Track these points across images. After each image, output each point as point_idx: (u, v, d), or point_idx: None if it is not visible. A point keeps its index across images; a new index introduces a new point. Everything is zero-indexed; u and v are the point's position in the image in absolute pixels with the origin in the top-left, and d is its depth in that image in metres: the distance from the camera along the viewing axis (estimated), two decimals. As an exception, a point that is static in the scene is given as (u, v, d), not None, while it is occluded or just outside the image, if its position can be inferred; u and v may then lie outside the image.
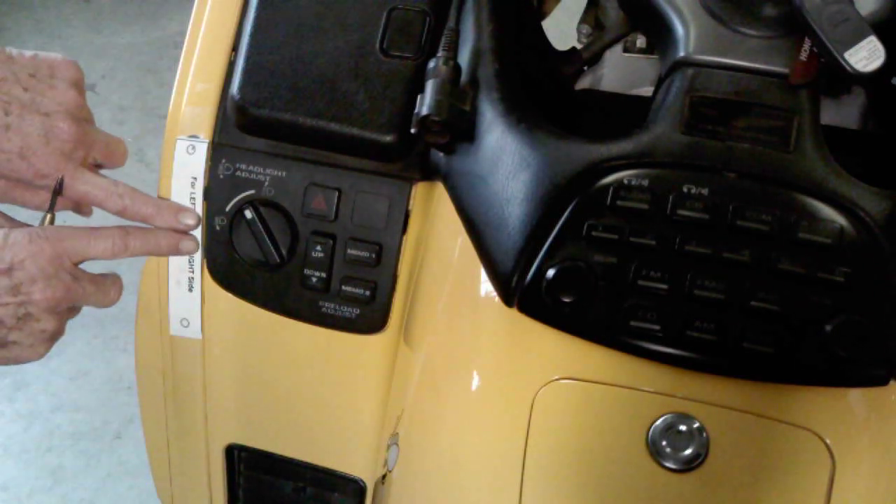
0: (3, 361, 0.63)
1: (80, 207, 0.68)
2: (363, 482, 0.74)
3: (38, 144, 0.61)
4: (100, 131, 0.65)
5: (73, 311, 0.65)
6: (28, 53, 0.62)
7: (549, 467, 0.58)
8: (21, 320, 0.61)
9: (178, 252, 0.68)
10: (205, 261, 0.70)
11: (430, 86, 0.60)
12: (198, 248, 0.68)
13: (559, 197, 0.57)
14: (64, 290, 0.62)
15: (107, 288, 0.66)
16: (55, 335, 0.63)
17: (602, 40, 0.85)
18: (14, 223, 0.64)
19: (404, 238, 0.67)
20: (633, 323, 0.55)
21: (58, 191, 0.64)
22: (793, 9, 0.56)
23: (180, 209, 0.66)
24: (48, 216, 0.66)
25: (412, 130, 0.60)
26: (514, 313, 0.58)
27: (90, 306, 0.66)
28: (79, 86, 0.64)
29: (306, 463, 0.75)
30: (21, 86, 0.61)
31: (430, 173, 0.66)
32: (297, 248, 0.68)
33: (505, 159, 0.59)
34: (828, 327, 0.54)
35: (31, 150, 0.61)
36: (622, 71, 0.95)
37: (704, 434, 0.57)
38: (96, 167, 0.65)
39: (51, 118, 0.61)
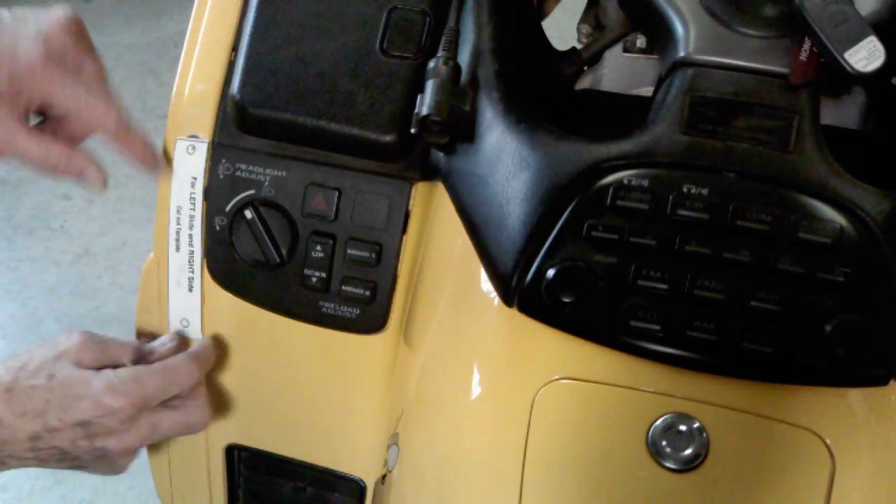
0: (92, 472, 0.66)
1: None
2: (363, 482, 0.74)
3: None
4: (76, 88, 0.64)
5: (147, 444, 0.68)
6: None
7: (549, 467, 0.58)
8: (98, 459, 0.63)
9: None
10: (205, 261, 0.70)
11: (430, 86, 0.60)
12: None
13: (559, 197, 0.57)
14: (139, 440, 0.63)
15: (191, 415, 0.67)
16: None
17: (602, 40, 0.85)
18: (111, 352, 0.65)
19: (404, 238, 0.67)
20: (633, 323, 0.55)
21: None
22: (793, 9, 0.56)
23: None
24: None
25: (412, 130, 0.60)
26: (514, 313, 0.58)
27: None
28: (65, 25, 0.64)
29: (306, 463, 0.75)
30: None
31: (430, 173, 0.66)
32: (297, 248, 0.68)
33: (505, 159, 0.59)
34: (828, 327, 0.53)
35: None
36: (622, 71, 0.95)
37: (704, 434, 0.57)
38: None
39: (20, 41, 0.61)
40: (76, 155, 0.65)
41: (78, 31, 0.65)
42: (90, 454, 0.63)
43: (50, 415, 0.61)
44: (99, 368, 0.64)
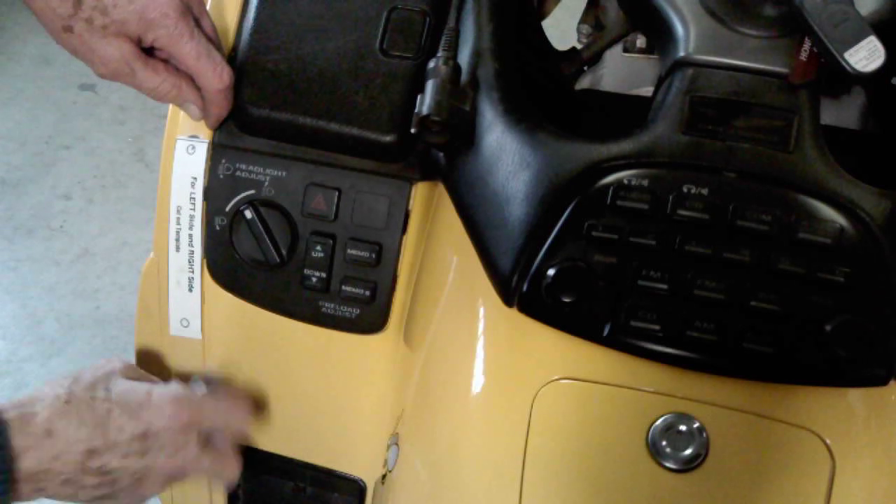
0: None
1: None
2: (363, 482, 0.74)
3: None
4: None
5: (180, 478, 0.66)
6: None
7: (549, 467, 0.58)
8: (134, 483, 0.63)
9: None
10: (205, 261, 0.70)
11: (430, 86, 0.60)
12: None
13: (559, 197, 0.57)
14: (184, 462, 0.64)
15: (226, 464, 0.68)
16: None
17: (602, 40, 0.85)
18: (151, 378, 0.66)
19: (404, 238, 0.67)
20: (633, 323, 0.55)
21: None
22: (793, 9, 0.56)
23: None
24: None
25: (412, 130, 0.60)
26: (514, 313, 0.58)
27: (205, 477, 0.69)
28: None
29: (306, 463, 0.75)
30: None
31: (430, 173, 0.66)
32: (297, 248, 0.68)
33: (505, 159, 0.59)
34: (828, 327, 0.54)
35: None
36: (622, 71, 0.95)
37: (704, 434, 0.57)
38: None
39: None
40: (186, 88, 0.65)
41: None
42: (131, 476, 0.62)
43: (111, 425, 0.60)
44: None
